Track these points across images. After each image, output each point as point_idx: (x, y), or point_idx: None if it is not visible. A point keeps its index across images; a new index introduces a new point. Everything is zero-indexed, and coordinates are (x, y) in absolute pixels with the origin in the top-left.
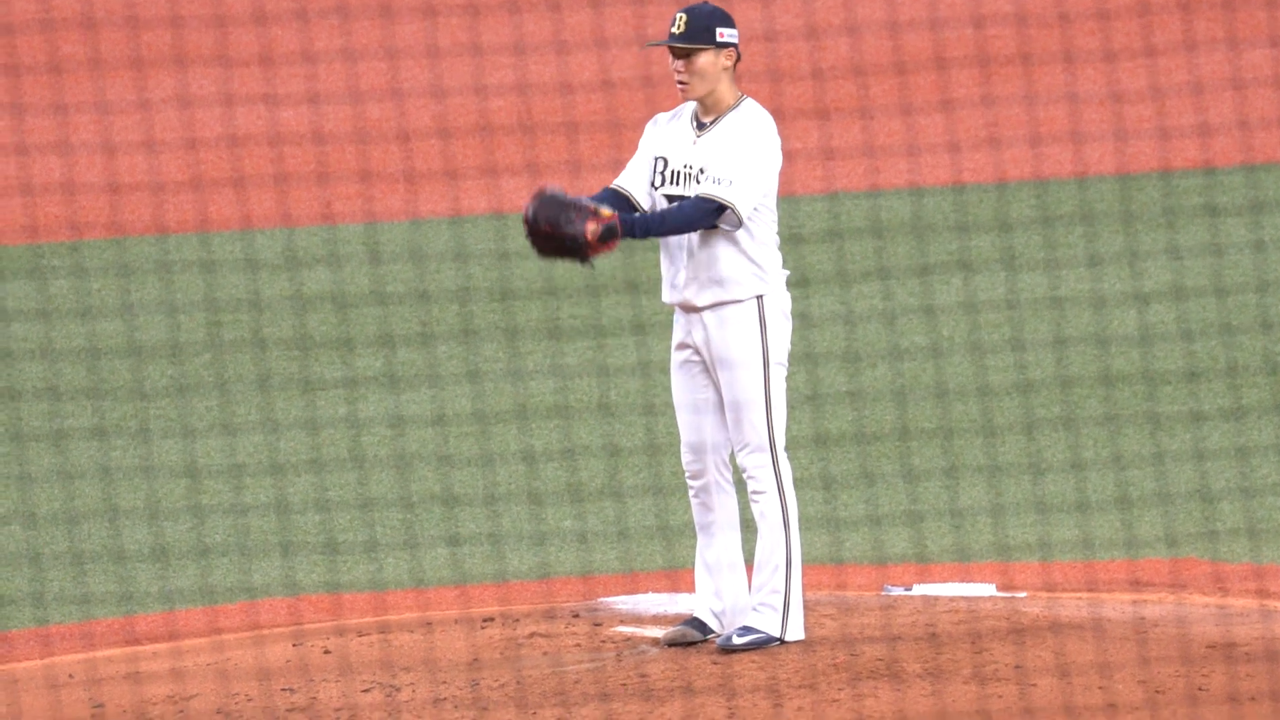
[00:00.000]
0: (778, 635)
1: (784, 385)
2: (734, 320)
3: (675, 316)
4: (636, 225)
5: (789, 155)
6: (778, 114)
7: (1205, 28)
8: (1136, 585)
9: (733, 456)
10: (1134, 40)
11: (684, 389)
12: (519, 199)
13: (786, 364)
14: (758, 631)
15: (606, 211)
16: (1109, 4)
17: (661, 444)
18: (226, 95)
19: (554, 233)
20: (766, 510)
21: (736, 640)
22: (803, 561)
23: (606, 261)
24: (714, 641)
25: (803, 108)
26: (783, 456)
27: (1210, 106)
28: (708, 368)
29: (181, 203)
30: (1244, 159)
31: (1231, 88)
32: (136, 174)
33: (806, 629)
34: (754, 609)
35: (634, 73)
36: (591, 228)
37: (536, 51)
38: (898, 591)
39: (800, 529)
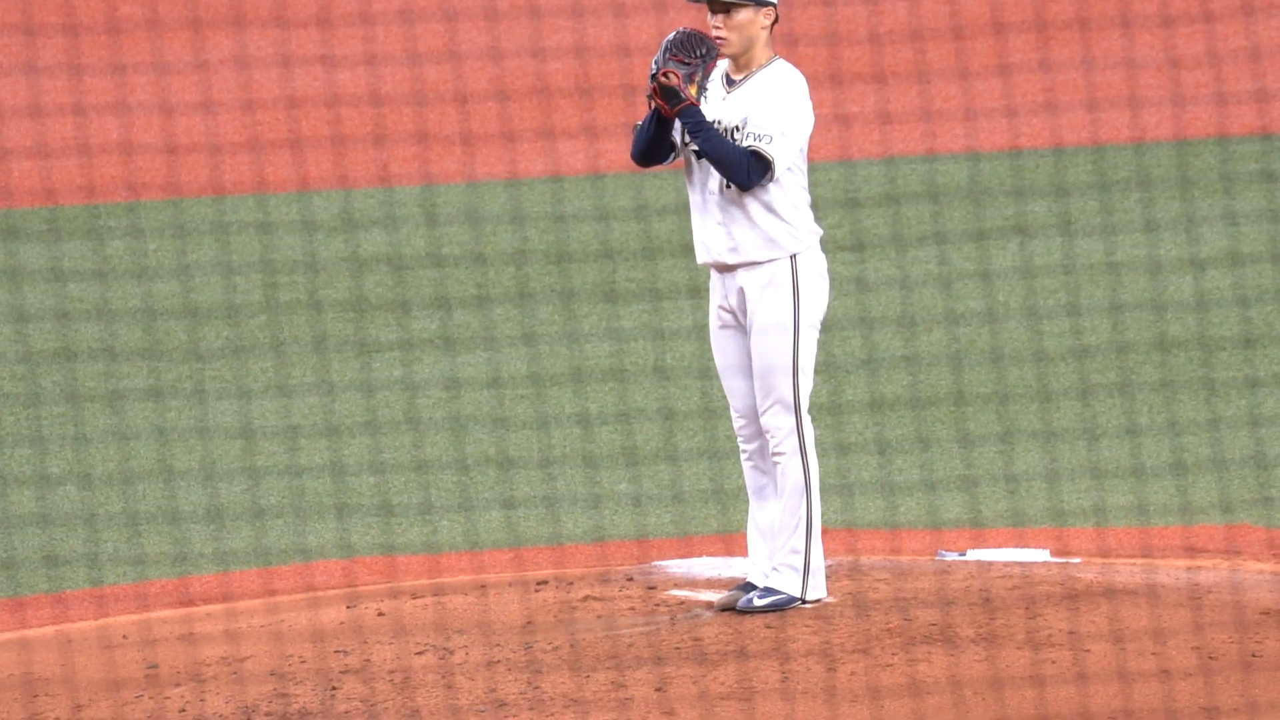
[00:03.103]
0: (798, 595)
1: (814, 348)
2: (767, 279)
3: (711, 281)
4: (694, 118)
5: (846, 119)
6: (835, 78)
7: None
8: (1191, 551)
9: None
10: (1192, 5)
11: (726, 354)
12: (576, 162)
13: (818, 327)
14: (778, 592)
15: (693, 91)
16: None
17: (717, 407)
18: (284, 57)
19: (669, 56)
20: (788, 471)
21: (758, 602)
22: (857, 526)
23: (662, 223)
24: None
25: (860, 72)
26: (806, 419)
27: (1268, 72)
28: (740, 330)
29: (238, 164)
30: None
31: None
32: (194, 135)
33: (860, 594)
34: (774, 569)
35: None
36: (674, 79)
37: (594, 14)
38: (952, 556)
39: (821, 492)
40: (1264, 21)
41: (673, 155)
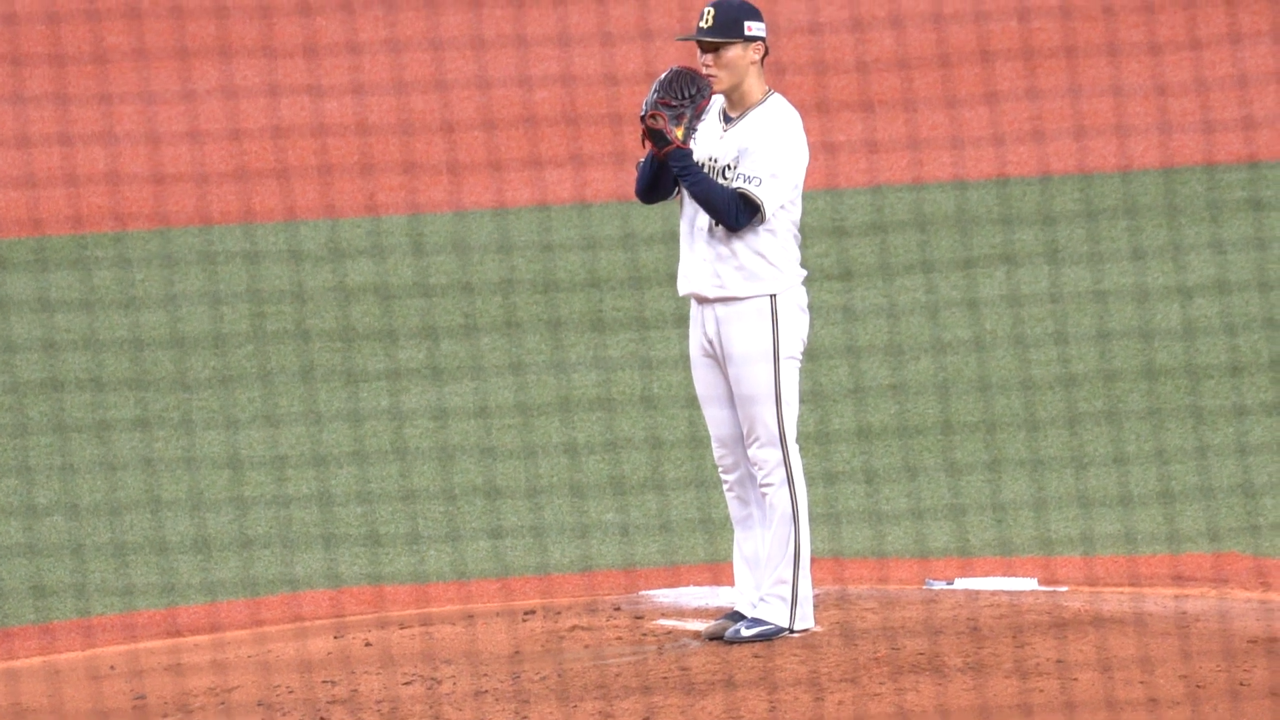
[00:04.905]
0: (786, 625)
1: (796, 378)
2: (745, 316)
3: (691, 311)
4: (682, 161)
5: (833, 148)
6: (822, 106)
7: (1250, 21)
8: (1178, 580)
9: None
10: (1179, 33)
11: (707, 384)
12: (562, 191)
13: (800, 358)
14: (766, 623)
15: (680, 132)
16: None
17: (704, 437)
18: (271, 86)
19: (659, 97)
20: (776, 502)
21: (745, 632)
22: (844, 555)
23: (649, 252)
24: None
25: (847, 100)
26: (793, 449)
27: (1255, 100)
28: (719, 361)
29: (225, 194)
30: None
31: (1276, 81)
32: (181, 165)
33: (847, 623)
34: (761, 599)
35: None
36: (660, 122)
37: (581, 43)
38: (939, 585)
39: (810, 521)
40: (1250, 49)
41: (676, 190)
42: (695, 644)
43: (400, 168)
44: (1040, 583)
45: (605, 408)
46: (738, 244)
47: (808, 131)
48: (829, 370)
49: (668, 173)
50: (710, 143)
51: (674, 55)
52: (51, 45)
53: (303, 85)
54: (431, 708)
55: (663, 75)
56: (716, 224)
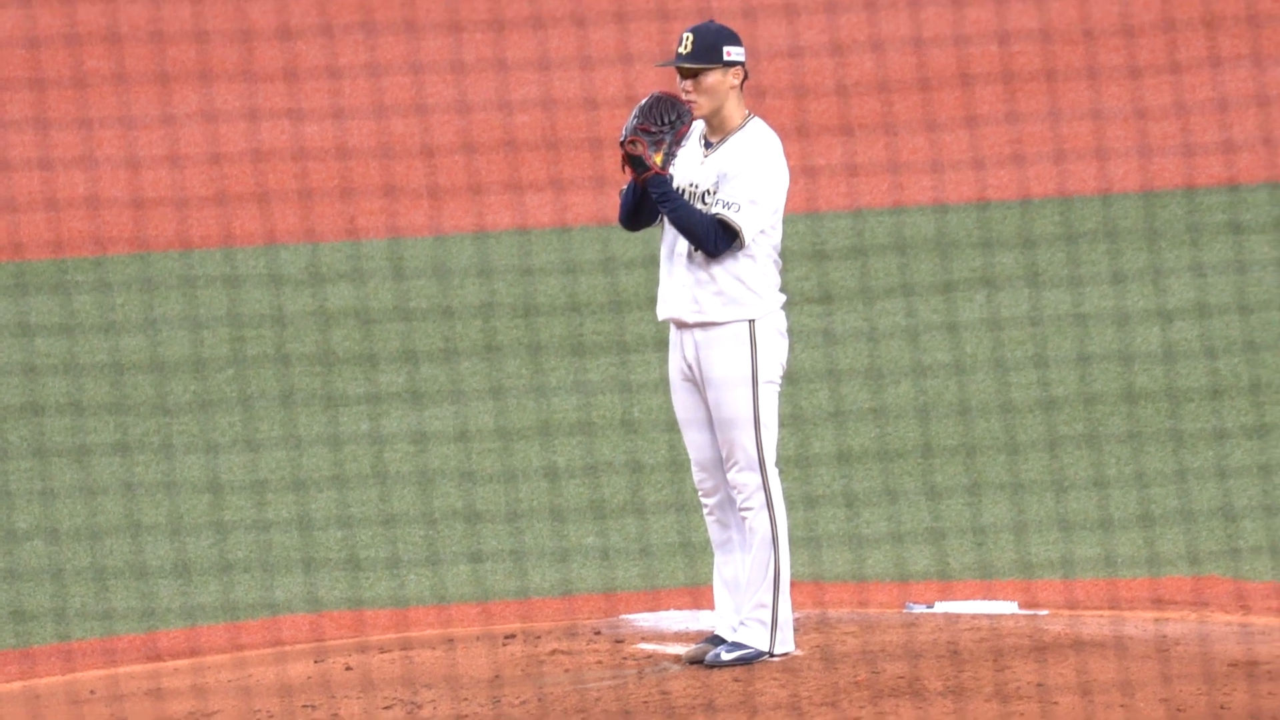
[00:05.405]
0: (766, 649)
1: (776, 402)
2: (723, 340)
3: (671, 335)
4: (660, 187)
5: (813, 171)
6: (802, 130)
7: (1230, 44)
8: (1159, 603)
9: None
10: (1158, 56)
11: (685, 407)
12: (543, 215)
13: (779, 382)
14: (745, 647)
15: (659, 159)
16: (1133, 20)
17: (684, 461)
18: (251, 110)
19: (638, 123)
20: (756, 526)
21: (725, 656)
22: (824, 579)
23: (629, 276)
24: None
25: (827, 124)
26: (773, 473)
27: (1235, 123)
28: (699, 385)
29: (205, 218)
30: (1268, 176)
31: (1256, 104)
32: (160, 189)
33: (828, 647)
34: (741, 624)
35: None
36: (639, 148)
37: (561, 67)
38: (920, 609)
39: (790, 545)
40: (1230, 72)
41: (660, 217)
42: (675, 668)
43: (380, 192)
44: (1020, 606)
45: (585, 432)
46: (717, 269)
47: (788, 155)
48: (809, 394)
49: (650, 200)
50: (690, 168)
51: (654, 80)
52: (31, 69)
53: (282, 109)
54: None
55: (643, 101)
56: (696, 249)
